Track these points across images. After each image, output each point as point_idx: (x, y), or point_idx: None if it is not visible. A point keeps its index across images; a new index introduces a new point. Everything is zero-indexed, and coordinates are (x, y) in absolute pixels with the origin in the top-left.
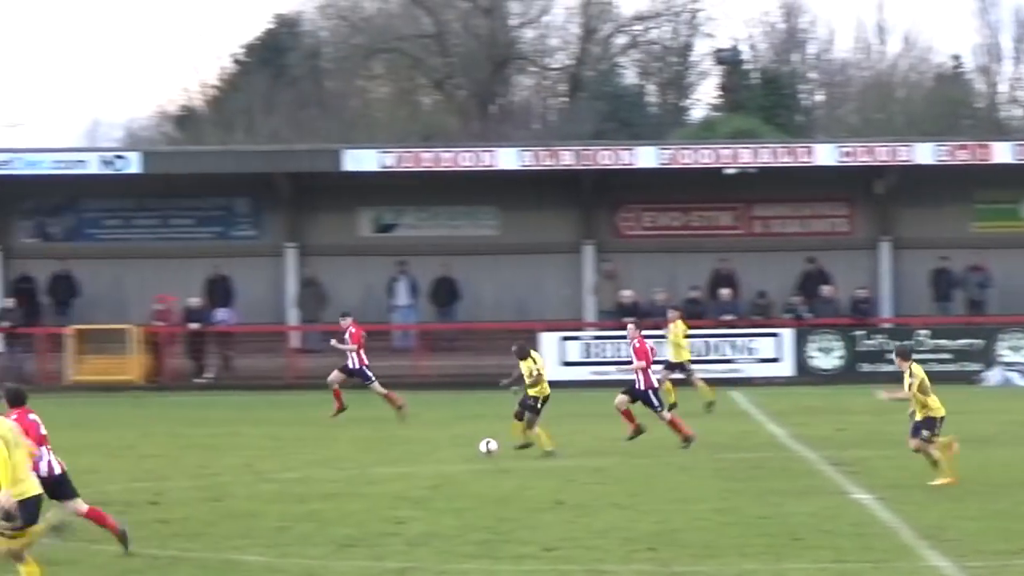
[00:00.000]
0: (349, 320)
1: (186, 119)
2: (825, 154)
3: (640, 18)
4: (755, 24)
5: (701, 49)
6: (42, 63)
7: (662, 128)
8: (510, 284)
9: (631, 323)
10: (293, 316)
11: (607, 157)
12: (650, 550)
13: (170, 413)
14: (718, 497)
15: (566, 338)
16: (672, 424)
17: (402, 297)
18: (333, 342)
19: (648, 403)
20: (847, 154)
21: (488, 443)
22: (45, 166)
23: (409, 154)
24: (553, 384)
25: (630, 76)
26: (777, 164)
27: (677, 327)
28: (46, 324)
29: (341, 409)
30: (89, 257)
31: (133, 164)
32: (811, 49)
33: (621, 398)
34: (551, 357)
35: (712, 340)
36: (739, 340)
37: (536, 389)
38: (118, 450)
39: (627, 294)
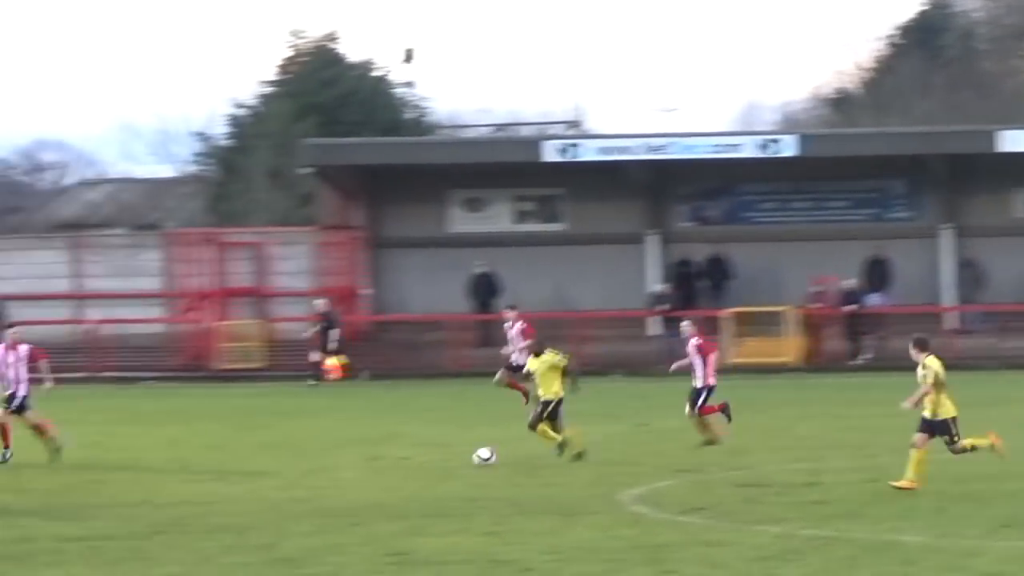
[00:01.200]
0: (515, 312)
1: (841, 101)
2: None
3: None
4: None
5: None
6: (698, 45)
7: None
8: None
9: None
10: (948, 297)
11: None
12: None
13: (827, 395)
14: None
15: None
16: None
17: None
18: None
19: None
20: None
21: (481, 453)
22: (701, 150)
23: None
24: None
25: None
26: None
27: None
28: (702, 307)
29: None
30: (744, 240)
31: (789, 147)
32: None
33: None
34: None
35: None
36: None
37: (551, 392)
38: (775, 432)
39: None
